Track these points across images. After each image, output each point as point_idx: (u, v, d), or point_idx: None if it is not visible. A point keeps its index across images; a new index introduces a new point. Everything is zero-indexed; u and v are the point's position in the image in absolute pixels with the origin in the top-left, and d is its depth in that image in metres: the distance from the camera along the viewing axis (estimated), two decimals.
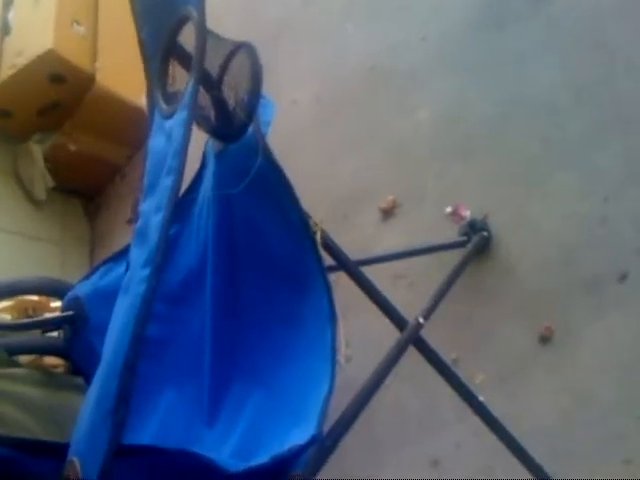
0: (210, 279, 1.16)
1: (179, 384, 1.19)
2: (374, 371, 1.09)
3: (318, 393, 0.92)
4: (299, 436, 0.87)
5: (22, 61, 2.59)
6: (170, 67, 0.96)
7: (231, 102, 0.97)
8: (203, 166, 1.20)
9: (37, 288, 1.69)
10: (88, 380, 1.17)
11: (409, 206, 1.80)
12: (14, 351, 1.50)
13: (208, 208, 1.17)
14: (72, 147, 2.79)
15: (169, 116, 0.91)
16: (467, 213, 1.66)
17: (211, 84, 0.96)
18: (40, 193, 2.82)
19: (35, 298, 1.73)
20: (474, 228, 1.62)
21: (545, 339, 1.47)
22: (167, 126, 0.90)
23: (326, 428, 0.89)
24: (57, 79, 2.64)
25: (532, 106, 1.63)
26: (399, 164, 1.87)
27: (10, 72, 2.61)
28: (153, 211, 0.85)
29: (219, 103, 0.97)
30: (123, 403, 0.76)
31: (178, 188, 0.82)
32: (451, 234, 1.67)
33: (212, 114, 0.98)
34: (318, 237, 1.07)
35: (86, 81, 2.65)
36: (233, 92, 0.96)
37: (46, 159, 2.80)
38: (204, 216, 1.18)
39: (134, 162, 2.84)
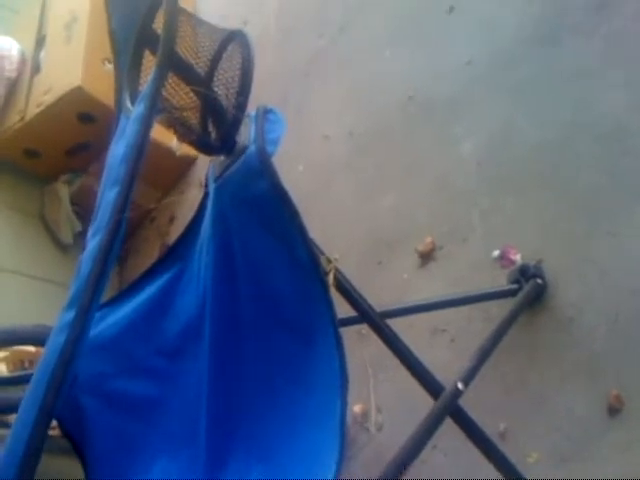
0: (208, 329, 1.01)
1: (173, 453, 1.05)
2: (404, 444, 0.93)
3: (324, 475, 0.79)
4: None
5: (49, 99, 2.55)
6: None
7: (223, 103, 0.79)
8: (206, 196, 1.04)
9: (32, 337, 1.55)
10: (75, 443, 1.05)
11: (451, 249, 1.61)
12: (3, 409, 1.41)
13: (208, 244, 1.00)
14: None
15: None
16: (517, 257, 1.45)
17: (197, 80, 0.78)
18: (67, 236, 2.74)
19: (32, 349, 1.61)
20: (526, 274, 1.41)
21: (613, 410, 1.24)
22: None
23: None
24: (86, 118, 2.60)
25: (595, 132, 1.42)
26: (440, 202, 1.68)
27: (37, 110, 2.57)
28: (91, 236, 0.66)
29: (207, 104, 0.78)
30: None
31: (124, 203, 0.63)
32: (499, 281, 1.46)
33: (196, 119, 0.79)
34: (330, 278, 0.88)
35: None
36: (225, 92, 0.78)
37: (73, 201, 2.72)
38: (204, 254, 1.02)
39: (163, 205, 2.71)
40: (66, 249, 2.75)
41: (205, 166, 0.95)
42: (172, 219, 2.65)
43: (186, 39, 0.73)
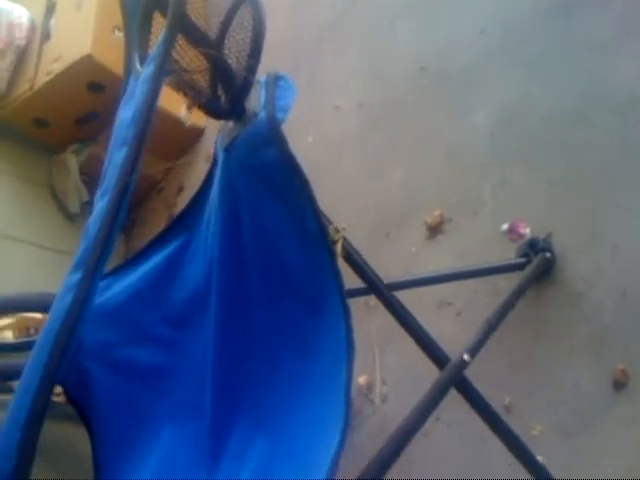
0: (215, 298, 1.00)
1: (180, 420, 1.06)
2: (409, 415, 0.92)
3: (328, 444, 0.78)
4: None
5: (59, 67, 2.51)
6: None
7: (234, 67, 0.77)
8: (214, 165, 1.03)
9: (38, 305, 1.55)
10: (81, 410, 1.04)
11: (460, 221, 1.59)
12: (7, 376, 1.37)
13: (216, 213, 0.99)
14: None
15: None
16: (527, 230, 1.43)
17: (207, 43, 0.76)
18: (74, 206, 2.72)
19: (38, 316, 1.61)
20: (535, 248, 1.38)
21: (619, 385, 1.23)
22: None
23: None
24: (95, 87, 2.56)
25: (609, 103, 1.39)
26: (451, 174, 1.66)
27: (47, 79, 2.53)
28: (99, 197, 0.65)
29: (217, 68, 0.77)
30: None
31: (133, 164, 0.62)
32: (508, 255, 1.44)
33: (205, 83, 0.78)
34: (338, 248, 0.87)
35: None
36: (235, 56, 0.77)
37: (82, 171, 2.70)
38: (212, 223, 1.01)
39: (171, 176, 2.69)
40: (74, 218, 2.74)
41: (213, 137, 0.95)
42: (180, 190, 2.64)
43: (197, 2, 0.72)
